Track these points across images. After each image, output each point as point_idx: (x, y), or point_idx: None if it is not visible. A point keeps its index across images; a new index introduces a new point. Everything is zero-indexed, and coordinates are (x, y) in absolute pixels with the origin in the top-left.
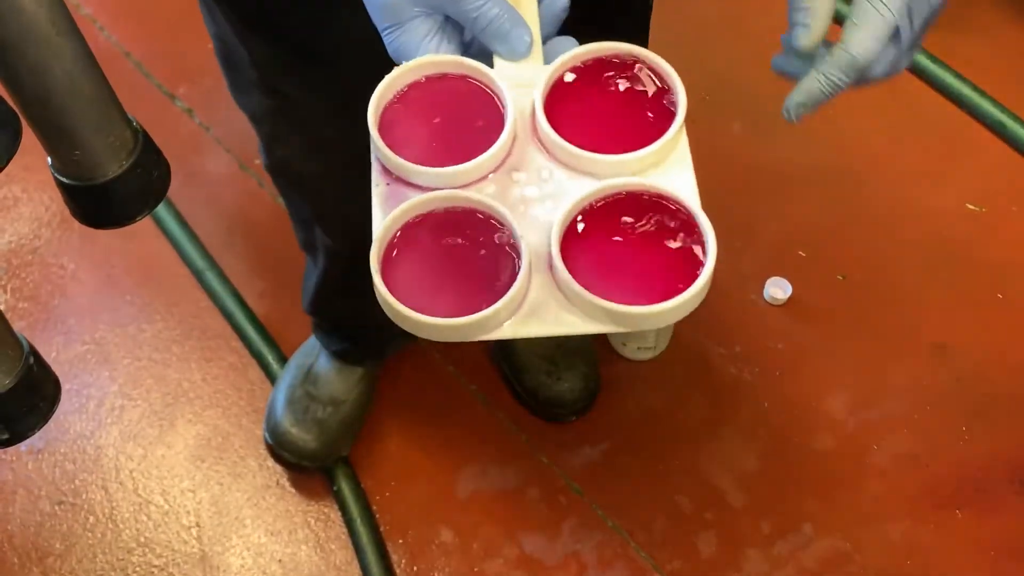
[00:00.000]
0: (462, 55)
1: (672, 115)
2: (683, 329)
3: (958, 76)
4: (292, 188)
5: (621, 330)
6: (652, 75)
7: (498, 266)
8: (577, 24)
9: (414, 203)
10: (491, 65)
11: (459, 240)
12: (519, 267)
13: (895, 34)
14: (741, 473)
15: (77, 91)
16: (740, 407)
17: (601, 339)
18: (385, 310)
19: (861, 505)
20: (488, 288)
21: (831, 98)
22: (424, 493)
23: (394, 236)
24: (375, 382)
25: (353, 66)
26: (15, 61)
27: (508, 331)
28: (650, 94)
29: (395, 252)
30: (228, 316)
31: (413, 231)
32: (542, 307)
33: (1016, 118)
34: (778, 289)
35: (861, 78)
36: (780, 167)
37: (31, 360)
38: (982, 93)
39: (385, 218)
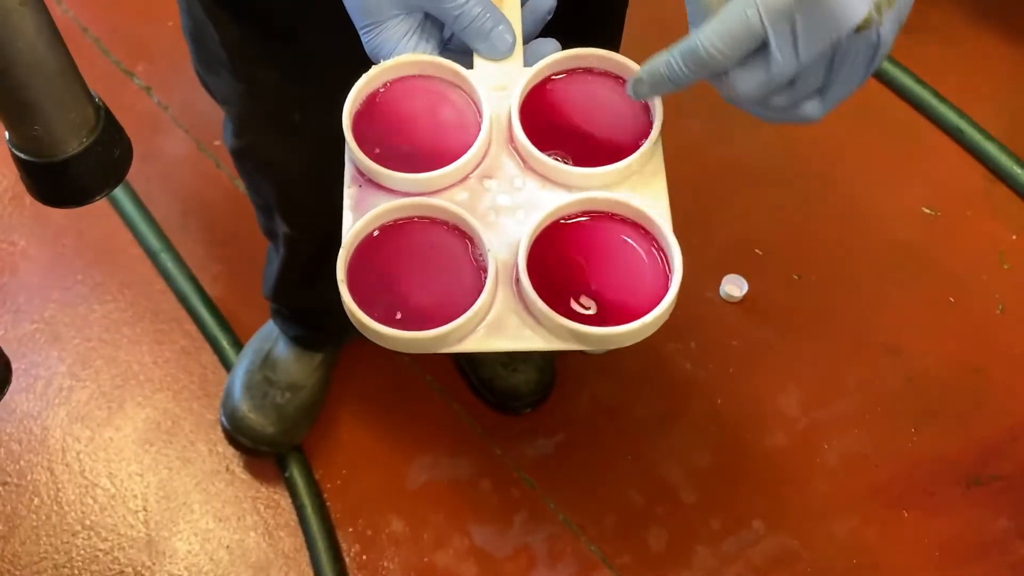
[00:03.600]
0: (441, 55)
1: (649, 126)
2: None
3: (917, 80)
4: (257, 173)
5: (584, 348)
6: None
7: (465, 278)
8: (556, 24)
9: (382, 210)
10: (470, 65)
11: (427, 249)
12: (485, 280)
13: (764, 51)
14: (693, 469)
15: (39, 65)
16: (694, 403)
17: None
18: (350, 318)
19: (810, 503)
20: (454, 300)
21: (674, 89)
22: (376, 482)
23: (361, 243)
24: (333, 368)
25: (326, 51)
26: None
27: (470, 345)
28: (628, 104)
29: (362, 259)
30: (182, 298)
31: (380, 239)
32: (505, 322)
33: (973, 123)
34: (734, 287)
35: (727, 92)
36: (739, 166)
37: None
38: (941, 98)
39: (354, 223)
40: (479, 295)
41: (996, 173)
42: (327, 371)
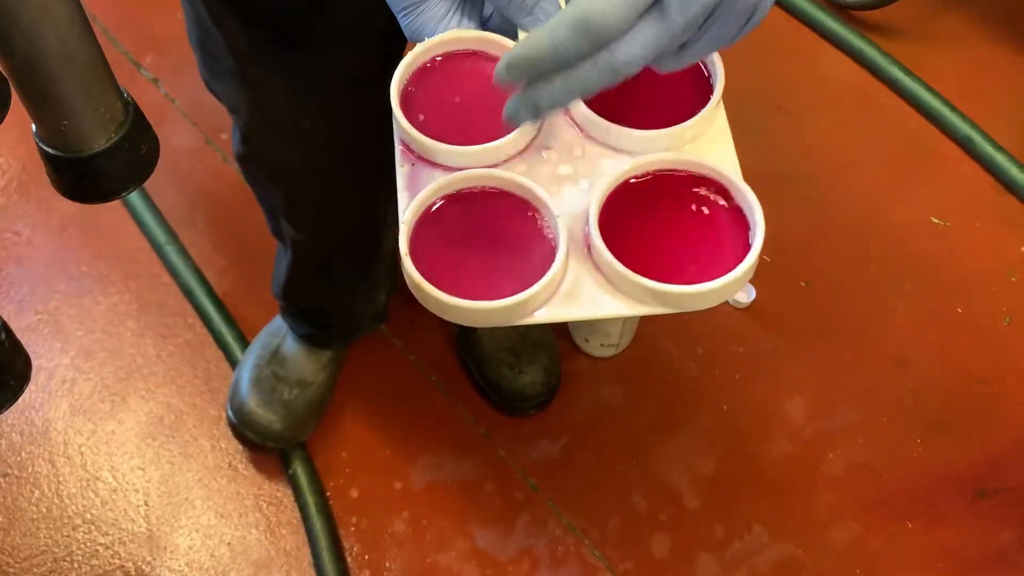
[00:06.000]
0: None
1: (709, 89)
2: (645, 328)
3: (929, 89)
4: (264, 180)
5: (664, 311)
6: None
7: (531, 247)
8: None
9: (443, 183)
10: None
11: (490, 221)
12: (556, 247)
13: (653, 9)
14: (697, 475)
15: (70, 58)
16: (699, 409)
17: (564, 334)
18: (415, 293)
19: (814, 512)
20: (521, 271)
21: (549, 65)
22: (379, 481)
23: (421, 216)
24: (341, 365)
25: (336, 57)
26: (7, 23)
27: (546, 315)
28: (685, 70)
29: (424, 233)
30: (187, 292)
31: (441, 212)
32: (581, 289)
33: (984, 134)
34: (742, 292)
35: (607, 61)
36: (748, 172)
37: (3, 336)
38: (952, 107)
39: (411, 200)
40: (551, 264)
41: (1006, 184)
42: (335, 368)
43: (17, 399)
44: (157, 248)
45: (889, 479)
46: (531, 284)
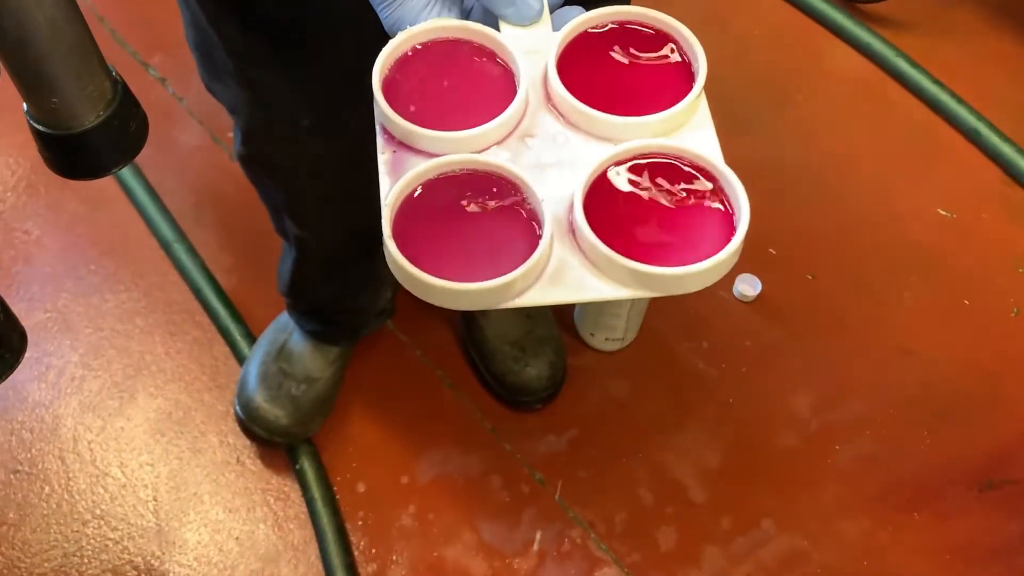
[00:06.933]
0: None
1: (690, 78)
2: (651, 322)
3: (935, 81)
4: (266, 178)
5: (648, 294)
6: (667, 37)
7: (515, 232)
8: None
9: (427, 167)
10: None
11: (473, 206)
12: (540, 231)
13: None
14: (704, 468)
15: (58, 37)
16: (705, 402)
17: (569, 328)
18: (398, 276)
19: (821, 504)
20: (506, 253)
21: None
22: (385, 476)
23: (405, 202)
24: (347, 361)
25: (334, 54)
26: None
27: (531, 297)
28: (665, 57)
29: (406, 218)
30: (195, 290)
31: (425, 197)
32: (566, 272)
33: (991, 125)
34: (748, 286)
35: None
36: (754, 165)
37: None
38: (959, 99)
39: (394, 185)
40: (535, 247)
41: (1013, 176)
42: (342, 364)
43: (12, 371)
44: (165, 246)
45: (896, 471)
46: (516, 267)
